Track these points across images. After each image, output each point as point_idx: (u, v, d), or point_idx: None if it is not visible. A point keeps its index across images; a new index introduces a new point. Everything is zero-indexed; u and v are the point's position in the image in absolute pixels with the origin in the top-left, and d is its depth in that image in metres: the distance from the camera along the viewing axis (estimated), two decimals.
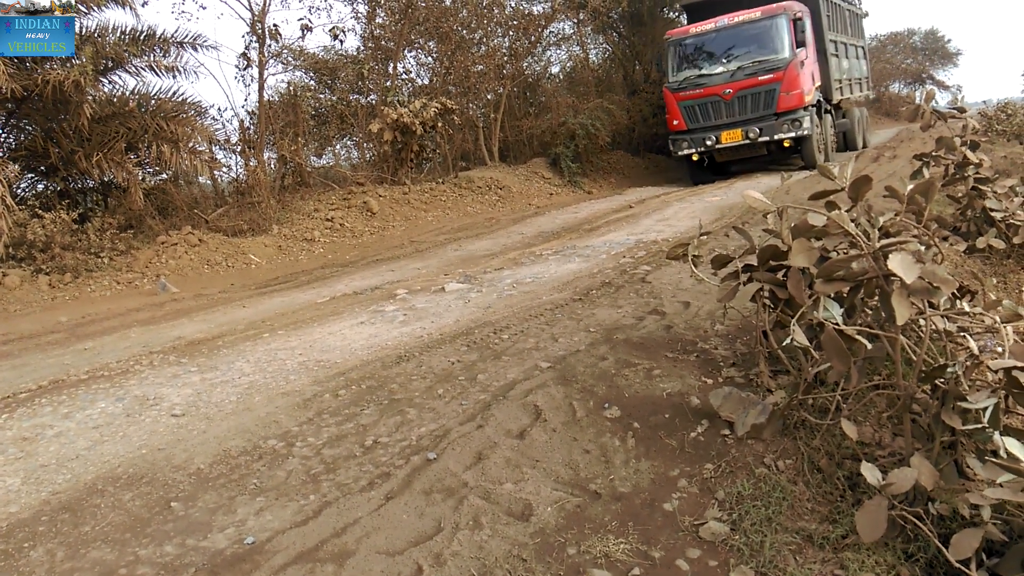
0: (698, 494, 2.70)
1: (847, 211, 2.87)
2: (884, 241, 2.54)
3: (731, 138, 13.82)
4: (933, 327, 2.59)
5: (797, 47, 13.35)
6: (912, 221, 3.07)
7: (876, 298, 2.76)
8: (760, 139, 13.59)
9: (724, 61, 13.94)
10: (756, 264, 3.24)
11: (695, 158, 14.37)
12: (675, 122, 14.32)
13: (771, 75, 13.38)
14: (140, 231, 9.70)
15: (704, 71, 14.05)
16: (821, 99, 14.33)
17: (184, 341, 5.40)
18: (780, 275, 3.17)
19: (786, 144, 13.64)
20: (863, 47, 19.24)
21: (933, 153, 5.32)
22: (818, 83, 14.16)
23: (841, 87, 15.81)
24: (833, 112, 15.35)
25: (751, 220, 7.38)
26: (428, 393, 3.65)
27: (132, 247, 9.07)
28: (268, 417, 3.54)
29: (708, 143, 13.93)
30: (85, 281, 8.09)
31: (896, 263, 2.33)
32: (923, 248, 2.79)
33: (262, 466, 3.04)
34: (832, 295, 2.77)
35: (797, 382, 2.98)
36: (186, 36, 10.66)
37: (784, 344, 2.88)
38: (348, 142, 15.68)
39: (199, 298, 7.50)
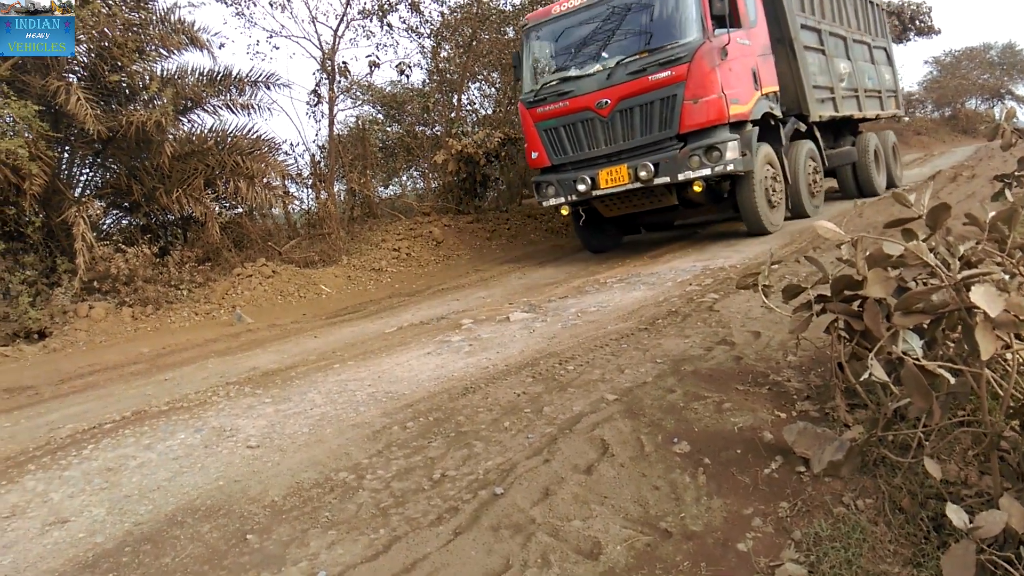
0: (773, 534, 2.62)
1: (925, 239, 2.78)
2: (966, 272, 2.45)
3: (613, 180, 8.68)
4: (1021, 360, 2.47)
5: (715, 28, 8.37)
6: (995, 249, 2.94)
7: (958, 330, 2.65)
8: (656, 180, 8.42)
9: (604, 56, 8.89)
10: (829, 294, 3.16)
11: (565, 212, 9.44)
12: (534, 154, 9.40)
13: (667, 72, 8.32)
14: (217, 263, 10.08)
15: (572, 73, 9.03)
16: (778, 112, 9.48)
17: (259, 372, 5.56)
18: (855, 306, 3.08)
19: (697, 188, 8.44)
20: (885, 49, 14.45)
21: (1015, 173, 5.11)
22: (770, 87, 9.36)
23: (835, 99, 11.22)
24: (818, 134, 10.64)
25: (822, 246, 7.19)
26: (494, 426, 3.66)
27: (209, 279, 9.42)
28: (339, 449, 3.60)
29: (581, 188, 8.82)
30: (166, 312, 8.43)
31: (979, 295, 2.24)
32: (1008, 278, 2.67)
33: (334, 499, 3.09)
34: (911, 327, 2.68)
35: (876, 417, 2.87)
36: (260, 75, 11.13)
37: (862, 379, 2.79)
38: (414, 172, 16.01)
39: (272, 328, 7.72)
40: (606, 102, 8.65)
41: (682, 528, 2.68)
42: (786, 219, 9.57)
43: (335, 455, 3.55)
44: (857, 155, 12.35)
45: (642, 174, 8.44)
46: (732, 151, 8.34)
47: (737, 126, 8.59)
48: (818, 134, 10.66)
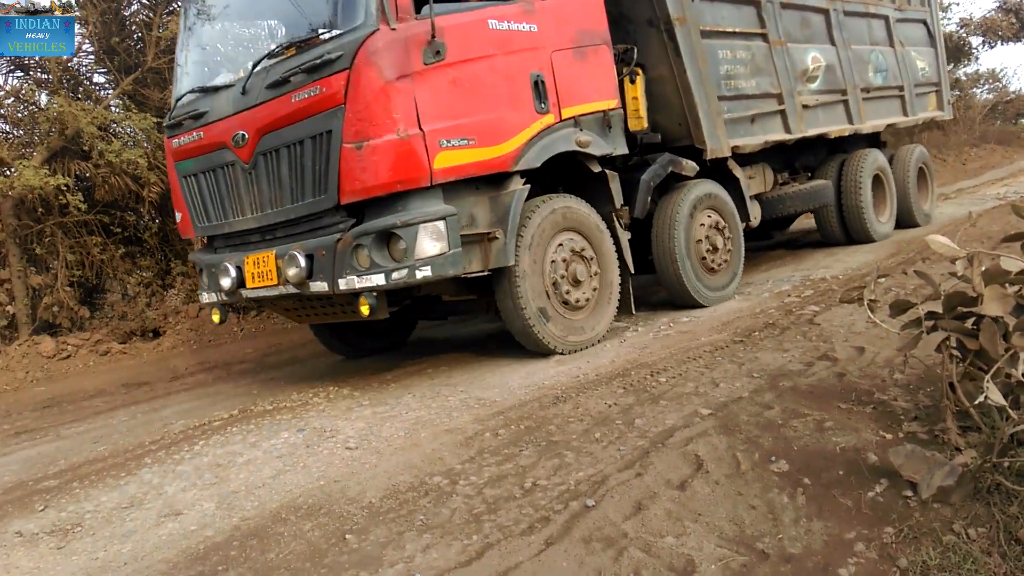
0: (877, 560, 2.52)
1: None
2: None
3: (261, 275, 5.12)
4: None
5: (418, 5, 4.75)
6: None
7: None
8: (312, 286, 4.81)
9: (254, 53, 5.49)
10: (941, 311, 3.02)
11: (216, 318, 5.75)
12: (178, 215, 5.91)
13: (314, 88, 4.67)
14: None
15: (214, 81, 5.52)
16: (614, 146, 5.90)
17: (357, 374, 5.74)
18: (970, 324, 2.93)
19: (364, 309, 4.69)
20: (924, 22, 10.33)
21: None
22: (587, 105, 5.70)
23: (784, 113, 7.54)
24: (739, 173, 7.10)
25: (931, 257, 6.85)
26: (585, 436, 3.66)
27: None
28: (433, 454, 3.68)
29: (225, 284, 5.31)
30: (268, 314, 8.82)
31: None
32: None
33: (428, 503, 3.16)
34: None
35: (990, 442, 2.73)
36: None
37: (977, 402, 2.65)
38: None
39: None
40: (243, 136, 5.01)
41: (780, 550, 2.61)
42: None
43: (429, 459, 3.63)
44: (842, 190, 8.69)
45: (291, 272, 4.79)
46: (430, 240, 4.59)
47: (475, 185, 4.98)
48: (739, 173, 7.07)
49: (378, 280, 4.61)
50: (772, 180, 8.02)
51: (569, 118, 5.54)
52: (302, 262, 4.77)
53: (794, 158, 8.64)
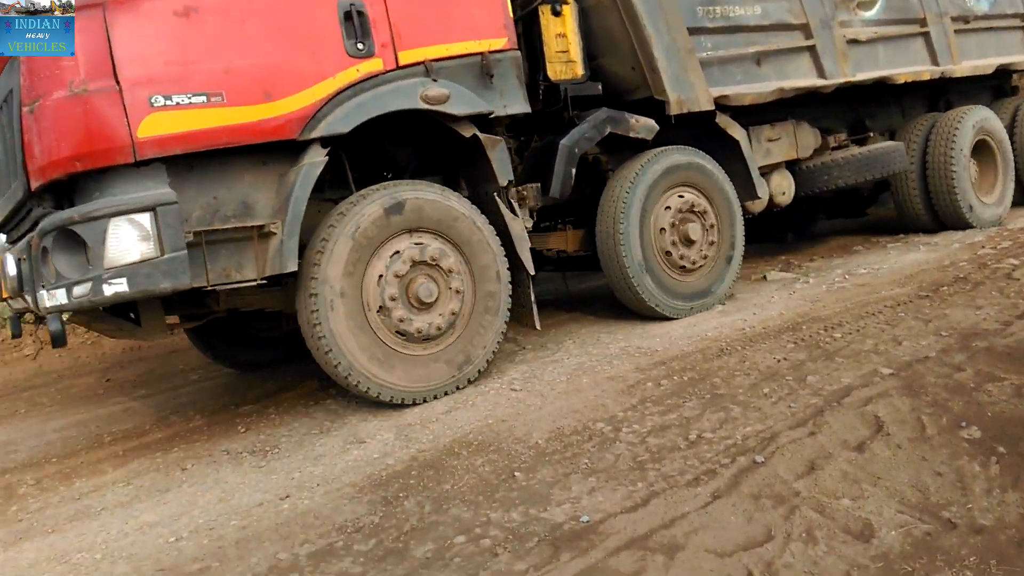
0: None
1: None
2: None
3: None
4: None
5: None
6: None
7: None
8: (28, 303, 3.71)
9: None
10: None
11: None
12: None
13: None
14: None
15: None
16: (515, 103, 4.50)
17: (517, 321, 5.89)
18: None
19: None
20: None
21: None
22: (456, 43, 4.26)
23: (815, 50, 5.79)
24: (742, 135, 5.47)
25: None
26: (753, 391, 3.58)
27: None
28: (595, 400, 3.74)
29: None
30: None
31: None
32: None
33: (592, 447, 3.23)
34: None
35: None
36: None
37: None
38: None
39: None
40: None
41: (969, 520, 2.46)
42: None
43: (591, 405, 3.69)
44: (927, 159, 6.72)
45: (5, 282, 3.87)
46: (128, 240, 3.37)
47: (260, 159, 3.77)
48: (737, 133, 5.44)
49: (61, 298, 3.36)
50: (814, 143, 6.20)
51: (413, 64, 4.09)
52: (11, 269, 3.71)
53: (862, 113, 6.87)
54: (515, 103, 4.47)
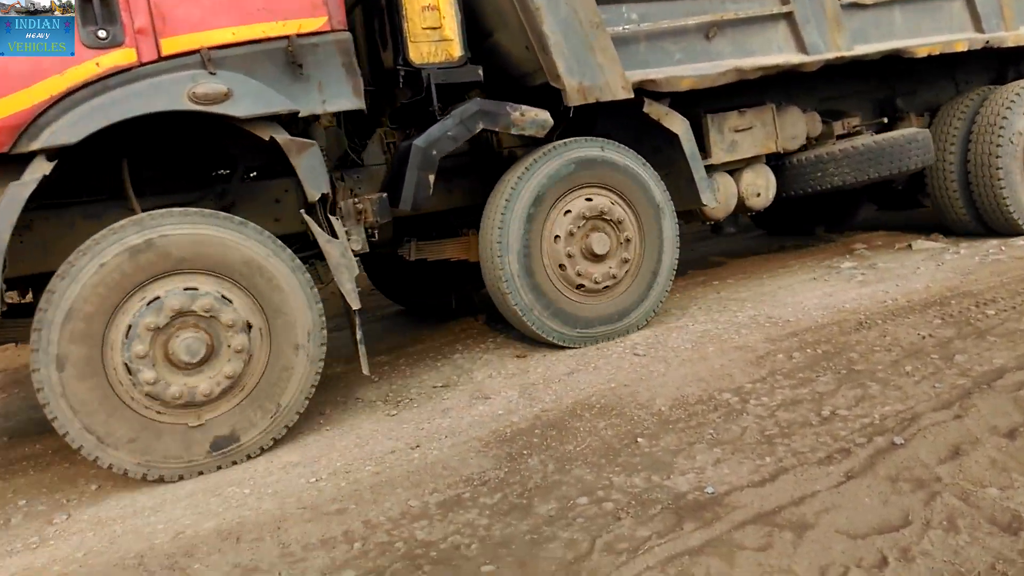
0: None
1: None
2: None
3: None
4: None
5: None
6: None
7: None
8: None
9: None
10: None
11: None
12: None
13: None
14: None
15: None
16: (338, 99, 3.71)
17: None
18: None
19: None
20: None
21: None
22: (247, 25, 3.51)
23: (829, 17, 4.83)
24: (688, 123, 4.59)
25: None
26: (893, 368, 3.40)
27: None
28: (722, 369, 3.67)
29: None
30: None
31: None
32: None
33: (717, 418, 3.19)
34: None
35: None
36: None
37: None
38: None
39: None
40: None
41: None
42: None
43: (717, 375, 3.63)
44: (969, 151, 5.52)
45: None
46: None
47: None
48: (676, 124, 4.55)
49: None
50: (807, 132, 5.21)
51: (183, 53, 3.41)
52: None
53: (897, 90, 5.78)
54: (340, 98, 3.67)
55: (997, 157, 5.37)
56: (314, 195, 3.60)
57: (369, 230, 3.88)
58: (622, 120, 4.58)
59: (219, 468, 3.35)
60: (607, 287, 4.32)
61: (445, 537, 2.52)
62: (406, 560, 2.41)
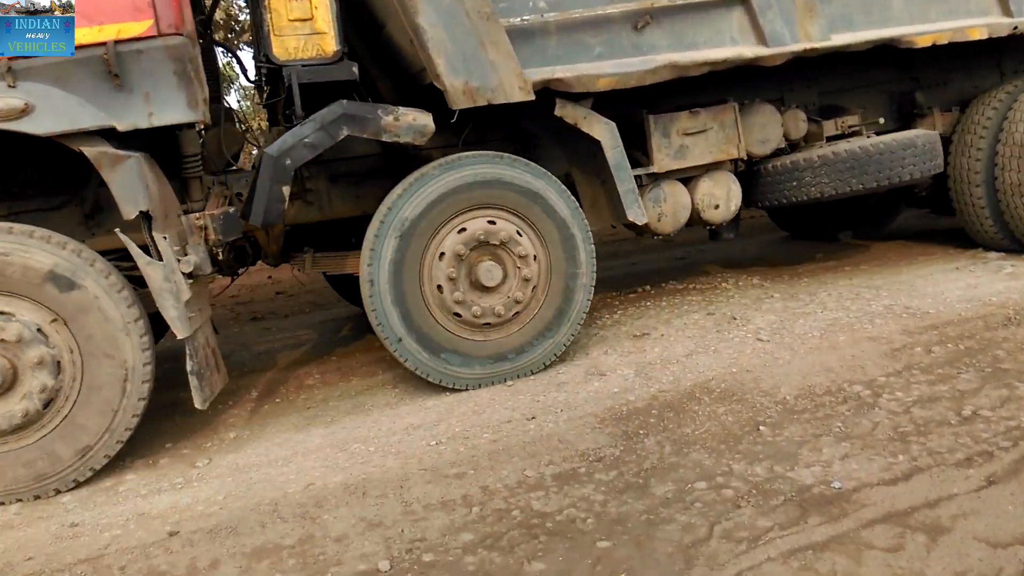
0: None
1: None
2: None
3: None
4: None
5: None
6: None
7: None
8: None
9: None
10: None
11: None
12: None
13: None
14: None
15: None
16: (167, 109, 3.26)
17: (765, 263, 5.65)
18: None
19: None
20: None
21: None
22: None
23: (799, 4, 4.16)
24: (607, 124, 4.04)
25: None
26: None
27: None
28: (853, 360, 3.51)
29: None
30: None
31: None
32: None
33: (846, 410, 3.06)
34: None
35: None
36: None
37: None
38: None
39: None
40: None
41: None
42: None
43: (848, 366, 3.48)
44: (997, 153, 4.79)
45: None
46: None
47: None
48: (598, 129, 4.03)
49: None
50: (781, 133, 4.61)
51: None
52: None
53: (923, 80, 5.08)
54: (172, 109, 3.26)
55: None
56: (129, 213, 3.19)
57: (213, 249, 3.52)
58: (551, 120, 4.01)
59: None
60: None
61: (560, 509, 2.55)
62: (522, 528, 2.46)
